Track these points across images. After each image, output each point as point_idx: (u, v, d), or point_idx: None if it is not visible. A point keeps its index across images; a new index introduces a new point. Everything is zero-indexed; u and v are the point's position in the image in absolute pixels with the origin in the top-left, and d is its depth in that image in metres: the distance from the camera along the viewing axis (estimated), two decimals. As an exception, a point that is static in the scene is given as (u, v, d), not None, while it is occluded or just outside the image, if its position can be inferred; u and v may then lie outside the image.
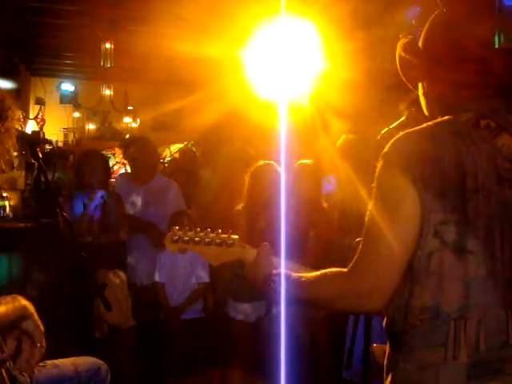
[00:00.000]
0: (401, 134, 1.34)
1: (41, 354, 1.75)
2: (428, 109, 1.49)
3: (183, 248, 1.62)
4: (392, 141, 1.33)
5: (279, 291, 1.45)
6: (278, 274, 1.47)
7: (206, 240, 1.59)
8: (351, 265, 1.30)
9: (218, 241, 1.59)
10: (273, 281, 1.48)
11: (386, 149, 1.32)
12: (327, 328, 3.55)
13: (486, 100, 1.35)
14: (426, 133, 1.31)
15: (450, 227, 1.22)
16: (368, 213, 1.31)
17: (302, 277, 1.42)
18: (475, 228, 1.22)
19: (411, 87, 1.54)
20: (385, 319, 1.37)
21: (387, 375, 1.36)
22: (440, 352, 1.23)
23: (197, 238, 1.59)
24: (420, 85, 1.50)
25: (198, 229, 1.62)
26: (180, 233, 1.61)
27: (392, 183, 1.28)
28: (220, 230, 1.61)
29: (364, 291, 1.27)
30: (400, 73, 1.53)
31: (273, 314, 3.41)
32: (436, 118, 1.37)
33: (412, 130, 1.34)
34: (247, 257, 1.58)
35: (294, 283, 1.43)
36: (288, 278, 1.44)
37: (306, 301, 1.52)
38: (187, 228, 1.63)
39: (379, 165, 1.32)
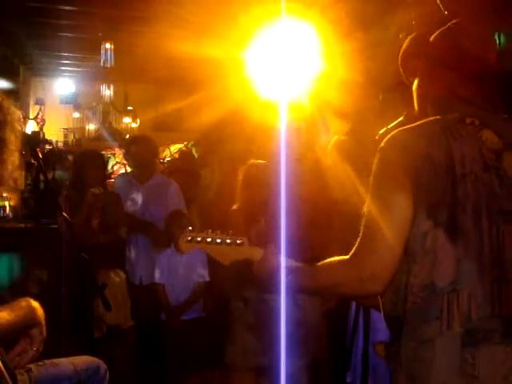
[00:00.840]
0: (395, 131, 1.44)
1: (34, 357, 1.77)
2: (420, 108, 1.58)
3: (196, 248, 1.70)
4: (387, 137, 1.42)
5: (287, 280, 1.52)
6: (285, 267, 1.55)
7: (217, 240, 1.68)
8: (352, 253, 1.39)
9: (228, 241, 1.68)
10: (279, 273, 1.55)
11: (382, 144, 1.42)
12: (328, 329, 3.55)
13: (470, 104, 1.45)
14: (417, 129, 1.42)
15: (442, 208, 1.32)
16: (365, 204, 1.40)
17: (307, 267, 1.53)
18: (464, 210, 1.32)
19: (407, 83, 1.61)
20: (383, 307, 1.44)
21: (392, 363, 1.42)
22: (436, 325, 1.32)
23: (208, 239, 1.69)
24: (416, 83, 1.56)
25: (210, 230, 1.71)
26: (193, 234, 1.70)
27: (387, 175, 1.38)
28: (230, 231, 1.70)
29: (364, 275, 1.35)
30: (400, 68, 1.60)
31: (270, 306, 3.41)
32: (427, 117, 1.47)
33: (405, 127, 1.44)
34: (255, 256, 1.65)
35: (299, 273, 1.53)
36: (293, 269, 1.54)
37: (311, 288, 1.62)
38: (199, 229, 1.72)
39: (375, 159, 1.41)
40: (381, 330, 2.79)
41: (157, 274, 3.71)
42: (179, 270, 3.73)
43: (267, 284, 1.63)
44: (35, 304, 1.76)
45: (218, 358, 3.69)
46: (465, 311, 1.31)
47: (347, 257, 1.41)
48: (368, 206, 1.38)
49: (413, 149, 1.36)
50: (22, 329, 1.71)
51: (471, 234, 1.32)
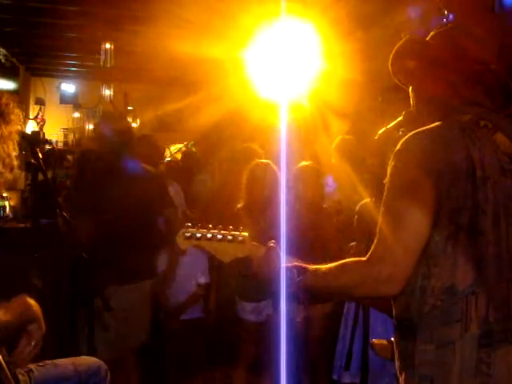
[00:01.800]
0: (412, 133, 1.42)
1: (35, 353, 1.75)
2: (421, 109, 1.56)
3: (195, 245, 1.64)
4: (403, 140, 1.40)
5: (297, 282, 1.50)
6: (294, 267, 1.51)
7: (218, 237, 1.61)
8: (369, 254, 1.38)
9: (229, 237, 1.61)
10: (291, 272, 1.51)
11: (398, 147, 1.40)
12: (322, 328, 3.55)
13: (479, 106, 1.44)
14: (435, 132, 1.40)
15: (463, 212, 1.32)
16: (382, 207, 1.38)
17: (320, 268, 1.49)
18: (484, 213, 1.32)
19: (398, 83, 1.60)
20: (395, 309, 1.44)
21: (402, 362, 1.42)
22: (457, 328, 1.32)
23: (209, 235, 1.61)
24: (414, 84, 1.55)
25: (210, 225, 1.63)
26: (193, 230, 1.63)
27: (407, 178, 1.37)
28: (231, 227, 1.63)
29: (382, 278, 1.35)
30: (390, 68, 1.59)
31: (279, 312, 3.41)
32: (429, 119, 1.45)
33: (422, 129, 1.42)
34: (256, 254, 1.61)
35: (313, 274, 1.49)
36: (306, 269, 1.50)
37: (324, 290, 1.59)
38: (199, 225, 1.64)
39: (391, 163, 1.39)
40: (379, 329, 2.80)
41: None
42: (180, 271, 3.72)
43: (269, 283, 1.60)
44: (31, 301, 1.76)
45: (217, 358, 3.69)
46: (482, 314, 1.31)
47: (364, 258, 1.40)
48: (384, 207, 1.37)
49: (433, 152, 1.34)
50: (20, 327, 1.70)
51: (491, 237, 1.33)
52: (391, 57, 1.61)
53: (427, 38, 1.54)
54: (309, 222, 3.44)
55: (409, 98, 1.62)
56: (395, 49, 1.61)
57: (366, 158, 3.34)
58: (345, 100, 4.07)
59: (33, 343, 1.72)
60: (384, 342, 1.73)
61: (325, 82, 3.65)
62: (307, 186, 3.58)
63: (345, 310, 3.29)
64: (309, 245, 3.32)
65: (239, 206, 3.59)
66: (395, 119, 1.92)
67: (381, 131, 1.97)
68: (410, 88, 1.59)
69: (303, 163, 3.67)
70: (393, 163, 1.39)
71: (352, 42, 3.80)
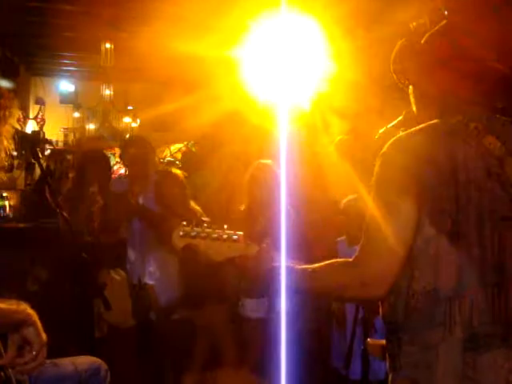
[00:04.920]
0: (398, 135, 1.43)
1: (37, 364, 1.68)
2: (420, 109, 1.57)
3: (190, 243, 1.64)
4: (390, 141, 1.41)
5: (287, 281, 1.49)
6: (285, 267, 1.51)
7: (213, 235, 1.62)
8: (355, 256, 1.39)
9: (224, 236, 1.62)
10: (278, 273, 1.52)
11: (384, 149, 1.40)
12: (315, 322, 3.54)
13: (472, 108, 1.44)
14: (421, 133, 1.40)
15: (445, 215, 1.32)
16: (368, 208, 1.38)
17: (307, 268, 1.48)
18: (467, 217, 1.32)
19: (400, 85, 1.61)
20: (382, 310, 1.44)
21: (389, 363, 1.43)
22: (440, 331, 1.32)
23: (203, 234, 1.62)
24: (413, 84, 1.56)
25: (205, 224, 1.65)
26: (187, 228, 1.64)
27: (390, 179, 1.37)
28: (226, 226, 1.64)
29: (368, 280, 1.35)
30: (391, 70, 1.60)
31: (277, 311, 3.40)
32: (427, 119, 1.45)
33: (409, 131, 1.43)
34: (251, 253, 1.62)
35: (300, 274, 1.49)
36: (293, 269, 1.50)
37: (313, 290, 1.59)
38: (194, 223, 1.65)
39: (377, 164, 1.40)
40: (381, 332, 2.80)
41: (147, 274, 3.71)
42: (168, 269, 3.71)
43: (262, 281, 1.61)
44: (28, 307, 1.71)
45: (212, 357, 3.68)
46: (466, 317, 1.31)
47: (350, 260, 1.40)
48: (370, 210, 1.37)
49: (417, 153, 1.34)
50: (15, 324, 1.66)
51: (473, 241, 1.32)
52: (391, 59, 1.62)
53: (425, 37, 1.54)
54: (306, 222, 3.43)
55: (409, 96, 1.62)
56: (394, 51, 1.63)
57: (367, 158, 3.33)
58: (345, 99, 4.06)
59: (34, 353, 1.66)
60: (380, 342, 1.72)
61: (324, 81, 3.64)
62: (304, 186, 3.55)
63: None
64: (308, 245, 3.32)
65: (242, 206, 3.59)
66: (395, 119, 1.92)
67: (381, 131, 1.97)
68: (410, 88, 1.59)
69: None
70: (378, 164, 1.40)
71: (354, 40, 3.80)
